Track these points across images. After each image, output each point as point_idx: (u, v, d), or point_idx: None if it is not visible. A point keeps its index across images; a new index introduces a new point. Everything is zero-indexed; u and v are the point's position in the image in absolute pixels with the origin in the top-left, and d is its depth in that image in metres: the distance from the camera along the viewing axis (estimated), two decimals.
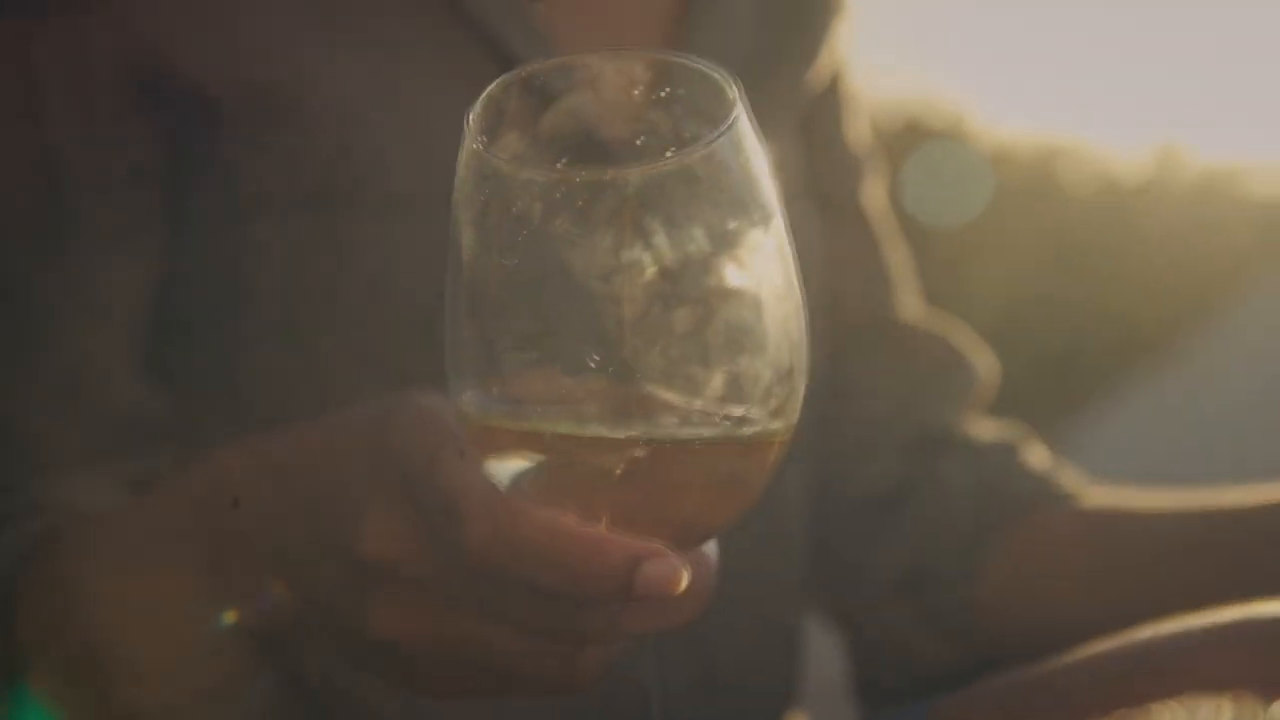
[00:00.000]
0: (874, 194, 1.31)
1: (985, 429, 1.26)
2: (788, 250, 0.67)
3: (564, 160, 0.68)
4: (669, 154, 0.66)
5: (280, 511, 0.79)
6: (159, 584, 0.85)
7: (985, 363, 1.29)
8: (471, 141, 0.65)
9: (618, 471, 0.64)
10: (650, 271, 0.63)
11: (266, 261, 1.01)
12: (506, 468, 0.67)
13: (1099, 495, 1.20)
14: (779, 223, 0.66)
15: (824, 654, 1.40)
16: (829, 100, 1.28)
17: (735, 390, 0.65)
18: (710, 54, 1.12)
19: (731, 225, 0.64)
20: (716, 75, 0.67)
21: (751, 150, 0.65)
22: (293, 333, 1.02)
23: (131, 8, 0.99)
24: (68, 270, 0.99)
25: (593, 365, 0.63)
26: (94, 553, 0.89)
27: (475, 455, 0.68)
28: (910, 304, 1.30)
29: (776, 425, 0.66)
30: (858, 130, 1.31)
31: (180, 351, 1.03)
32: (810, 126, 1.25)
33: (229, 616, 0.82)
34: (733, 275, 0.64)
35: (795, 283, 0.67)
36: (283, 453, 0.82)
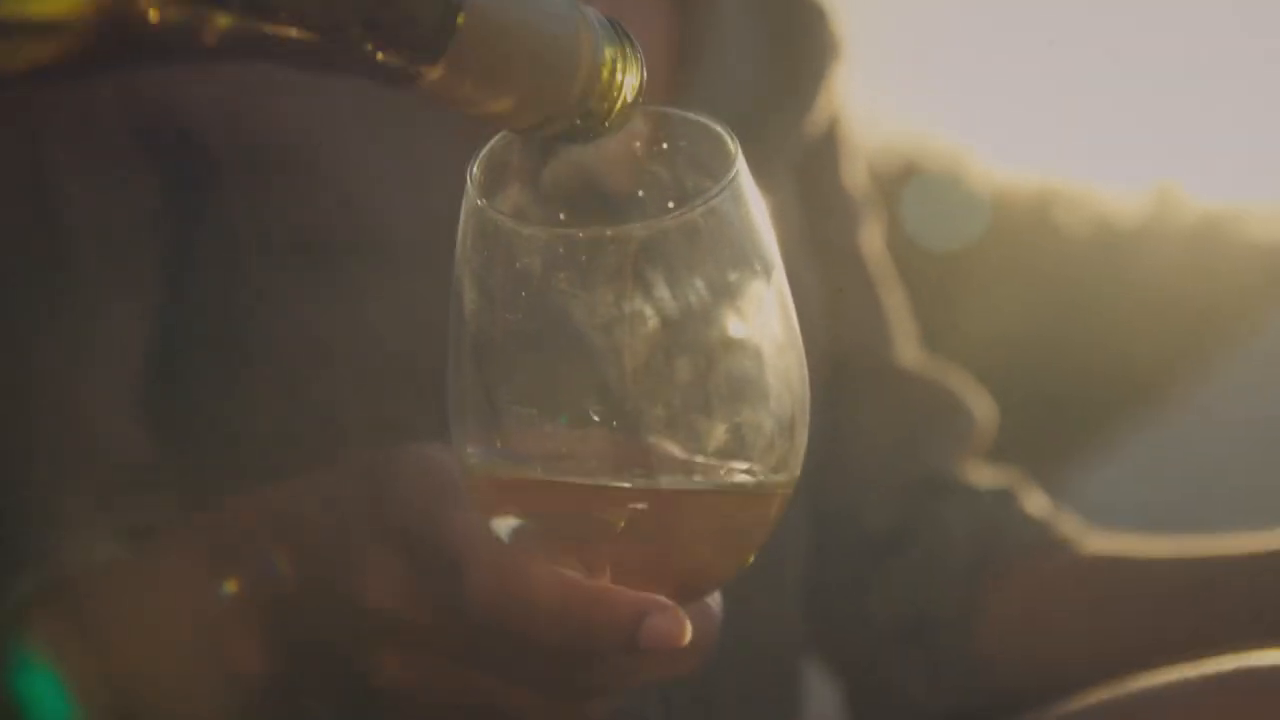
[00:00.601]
0: (871, 239, 1.31)
1: (984, 474, 1.26)
2: (789, 302, 0.67)
3: (566, 213, 0.68)
4: (670, 208, 0.66)
5: (279, 560, 0.80)
6: (161, 637, 0.85)
7: (983, 408, 1.29)
8: (473, 196, 0.65)
9: (621, 524, 0.65)
10: (652, 325, 0.63)
11: (266, 311, 1.01)
12: (509, 520, 0.67)
13: (1098, 542, 1.20)
14: (780, 274, 0.67)
15: (824, 695, 1.40)
16: (826, 145, 1.28)
17: (738, 442, 0.65)
18: (708, 101, 1.13)
19: (733, 278, 0.65)
20: (716, 128, 0.68)
21: (752, 203, 0.65)
22: (292, 382, 1.02)
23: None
24: (68, 320, 0.99)
25: (595, 418, 0.64)
26: (94, 607, 0.89)
27: (477, 507, 0.68)
28: (908, 349, 1.31)
29: (779, 477, 0.67)
30: (854, 175, 1.31)
31: (180, 401, 1.03)
32: (807, 172, 1.25)
33: (233, 666, 0.82)
34: (734, 328, 0.65)
35: (797, 334, 0.67)
36: (284, 503, 0.82)
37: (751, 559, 0.69)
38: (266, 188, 1.00)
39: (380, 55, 0.58)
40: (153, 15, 0.53)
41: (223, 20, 0.55)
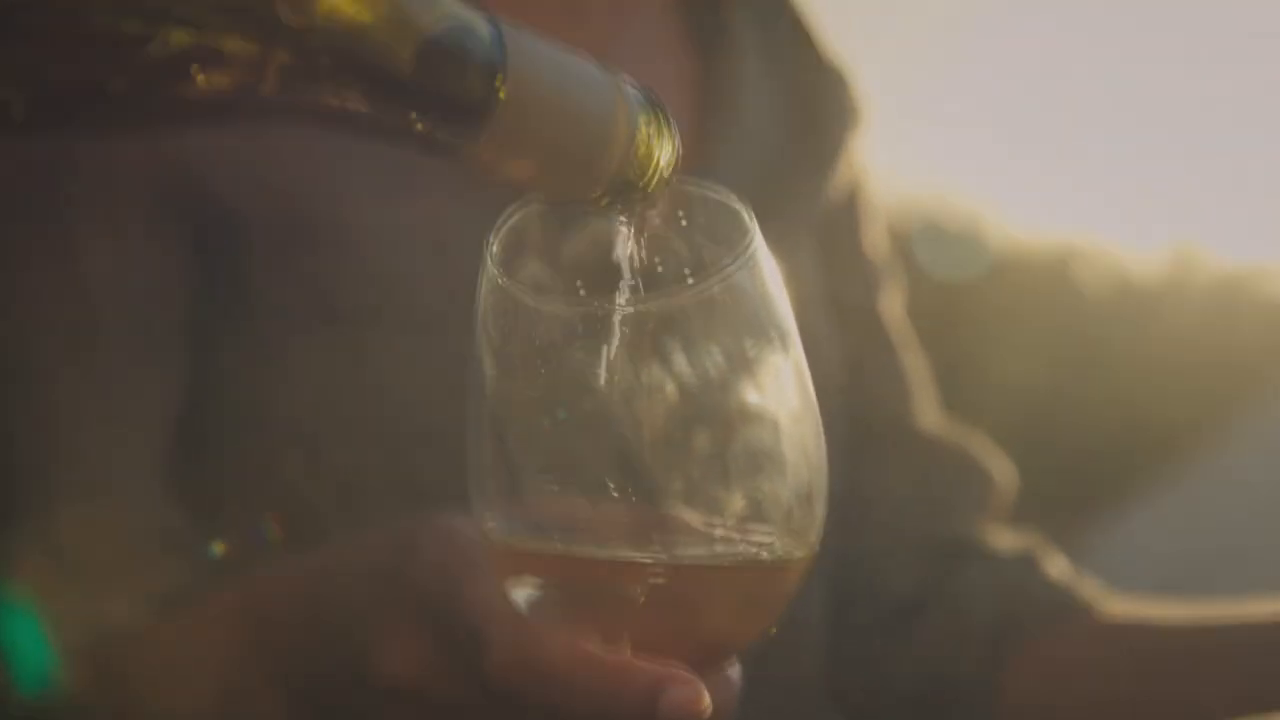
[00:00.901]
0: (892, 303, 1.32)
1: (1004, 538, 1.26)
2: (805, 372, 0.67)
3: (583, 286, 0.69)
4: (688, 280, 0.67)
5: (304, 633, 0.80)
6: (188, 704, 0.86)
7: (1004, 471, 1.29)
8: (491, 270, 0.66)
9: (640, 595, 0.65)
10: (670, 396, 0.64)
11: (288, 377, 1.02)
12: (529, 591, 0.67)
13: (1119, 606, 1.20)
14: (796, 345, 0.67)
15: None
16: (847, 209, 1.29)
17: (756, 513, 0.65)
18: (729, 167, 1.14)
19: (749, 349, 0.65)
20: (732, 203, 0.68)
21: (768, 276, 0.66)
22: (313, 448, 1.02)
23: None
24: (95, 386, 1.00)
25: (614, 490, 0.64)
26: (122, 674, 0.89)
27: (497, 578, 0.68)
28: (928, 412, 1.31)
29: (797, 548, 0.67)
30: (875, 239, 1.32)
31: (204, 466, 1.03)
32: (828, 235, 1.26)
33: None
34: (751, 399, 0.65)
35: (814, 405, 0.67)
36: (306, 574, 0.83)
37: (772, 629, 0.69)
38: (291, 255, 1.01)
39: (421, 125, 0.59)
40: (202, 78, 0.53)
41: (273, 85, 0.55)
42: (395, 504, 1.01)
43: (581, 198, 0.63)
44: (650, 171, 0.63)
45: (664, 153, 0.64)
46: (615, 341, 0.63)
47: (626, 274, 0.66)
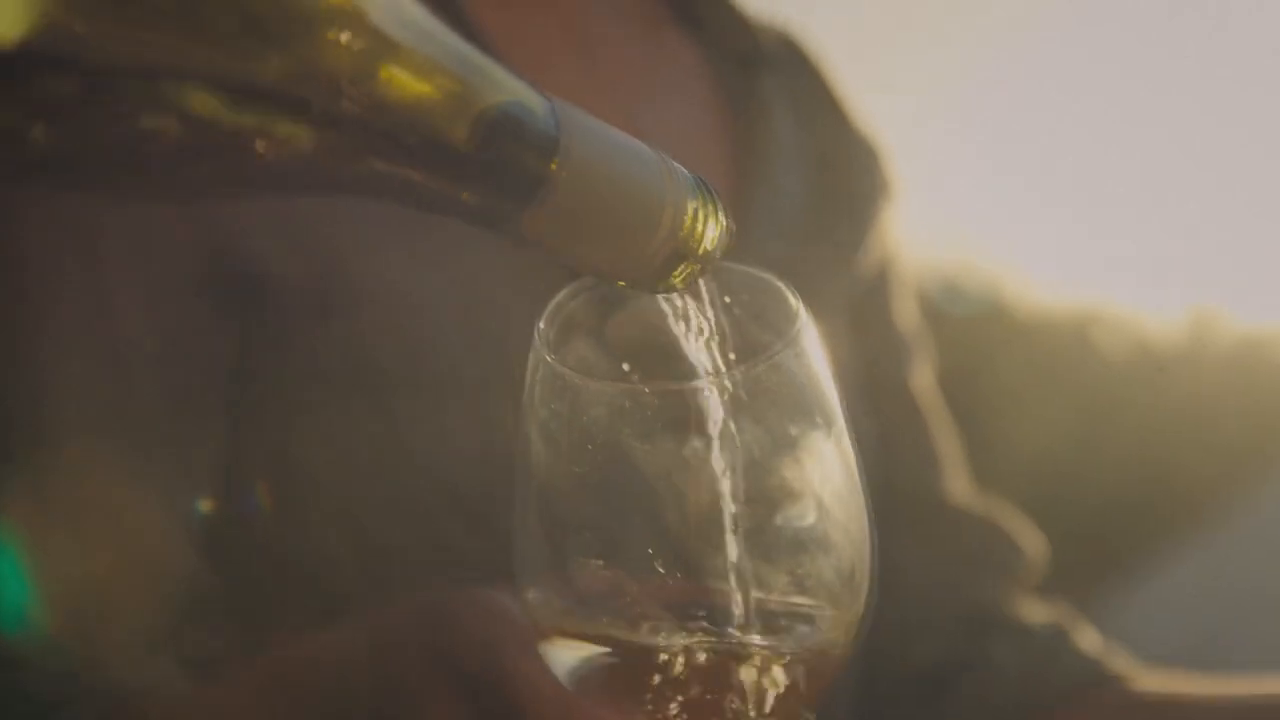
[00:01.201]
0: (921, 376, 1.32)
1: (1034, 610, 1.26)
2: (850, 454, 0.68)
3: (631, 365, 0.69)
4: (733, 360, 0.67)
5: (340, 704, 0.80)
6: None
7: (1032, 543, 1.29)
8: (540, 350, 0.66)
9: (683, 672, 0.65)
10: (716, 478, 0.64)
11: (324, 443, 1.02)
12: (572, 666, 0.68)
13: (1149, 680, 1.20)
14: (842, 427, 0.67)
15: None
16: (878, 283, 1.29)
17: (801, 593, 0.66)
18: (764, 236, 1.14)
19: (795, 431, 0.66)
20: (779, 284, 0.69)
21: (815, 358, 0.66)
22: (348, 514, 1.03)
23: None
24: (133, 451, 1.00)
25: (660, 569, 0.64)
26: None
27: (540, 653, 0.69)
28: (958, 485, 1.31)
29: (842, 629, 0.67)
30: (905, 312, 1.32)
31: (240, 531, 1.04)
32: (860, 308, 1.26)
33: None
34: (797, 481, 0.65)
35: (858, 486, 0.68)
36: (343, 644, 0.83)
37: (814, 710, 0.70)
38: (327, 321, 1.02)
39: (473, 199, 0.59)
40: (261, 146, 0.54)
41: (330, 160, 0.56)
42: (430, 571, 1.01)
43: (629, 276, 0.64)
44: (698, 251, 0.64)
45: (711, 233, 0.64)
46: (663, 421, 0.64)
47: (675, 356, 0.66)
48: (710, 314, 0.67)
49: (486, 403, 1.00)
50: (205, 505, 1.03)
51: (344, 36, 0.54)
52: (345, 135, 0.55)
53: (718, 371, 0.66)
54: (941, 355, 1.39)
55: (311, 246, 1.02)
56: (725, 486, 0.65)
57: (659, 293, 0.65)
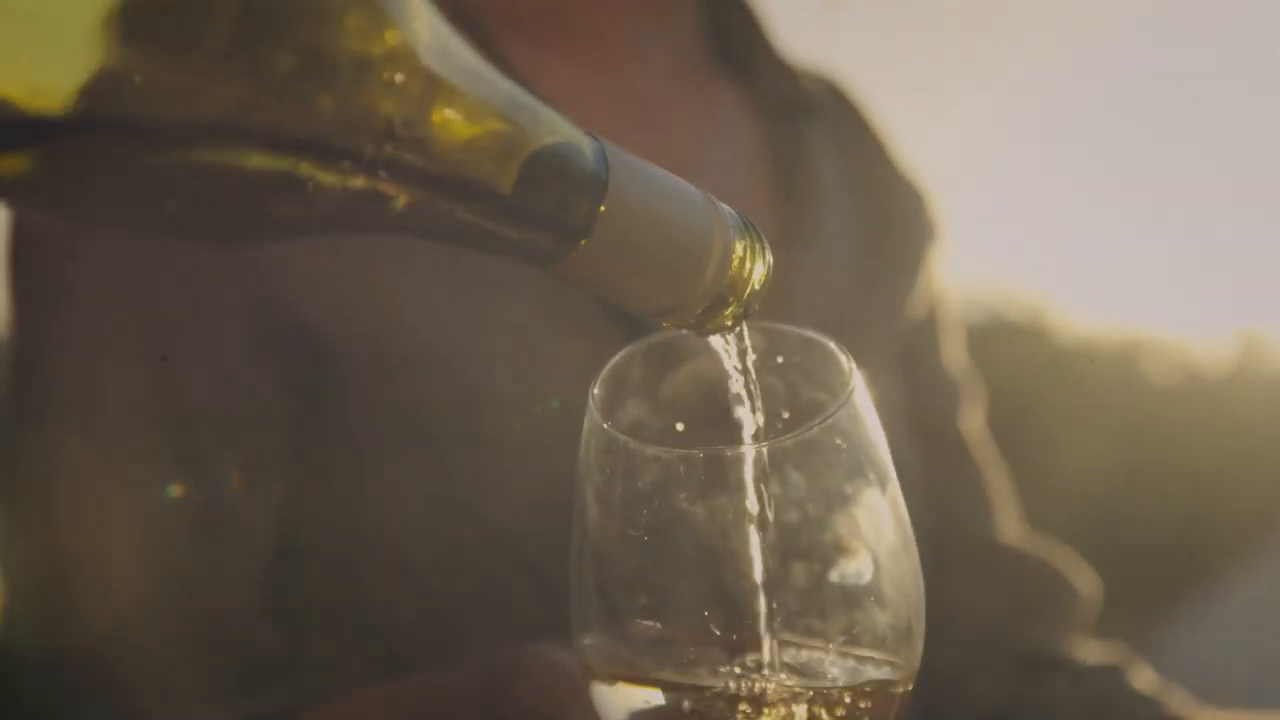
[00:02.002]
0: (971, 417, 1.32)
1: (1090, 650, 1.26)
2: (903, 510, 0.68)
3: (684, 425, 0.70)
4: (785, 418, 0.68)
5: None
6: None
7: (1087, 583, 1.29)
8: (595, 414, 0.67)
9: (743, 713, 0.66)
10: (771, 538, 0.65)
11: (381, 499, 1.03)
12: (627, 710, 0.68)
13: (1206, 716, 1.19)
14: (894, 484, 0.68)
15: None
16: (927, 324, 1.30)
17: (855, 649, 0.66)
18: (812, 284, 1.15)
19: (848, 490, 0.66)
20: (830, 344, 0.69)
21: (868, 417, 0.67)
22: (406, 570, 1.03)
23: (262, 255, 1.02)
24: (193, 508, 1.01)
25: (715, 628, 0.65)
26: None
27: (598, 709, 0.69)
28: (1011, 525, 1.31)
29: (897, 684, 0.67)
30: (954, 354, 1.32)
31: (299, 588, 1.05)
32: (909, 351, 1.27)
33: None
34: (850, 539, 0.66)
35: (911, 541, 0.68)
36: (406, 697, 0.83)
37: None
38: (382, 379, 1.02)
39: (520, 239, 0.60)
40: (314, 187, 0.54)
41: (379, 201, 0.56)
42: (487, 624, 1.01)
43: (676, 316, 0.64)
44: (744, 289, 0.64)
45: (759, 273, 0.65)
46: (718, 485, 0.64)
47: (729, 417, 0.67)
48: (754, 378, 0.68)
49: (540, 454, 1.00)
50: (265, 561, 1.03)
51: (397, 78, 0.55)
52: (394, 176, 0.56)
53: (773, 434, 0.66)
54: (989, 386, 1.39)
55: (366, 308, 1.03)
56: (780, 546, 0.65)
57: (706, 333, 0.66)
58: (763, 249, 0.65)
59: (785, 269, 1.15)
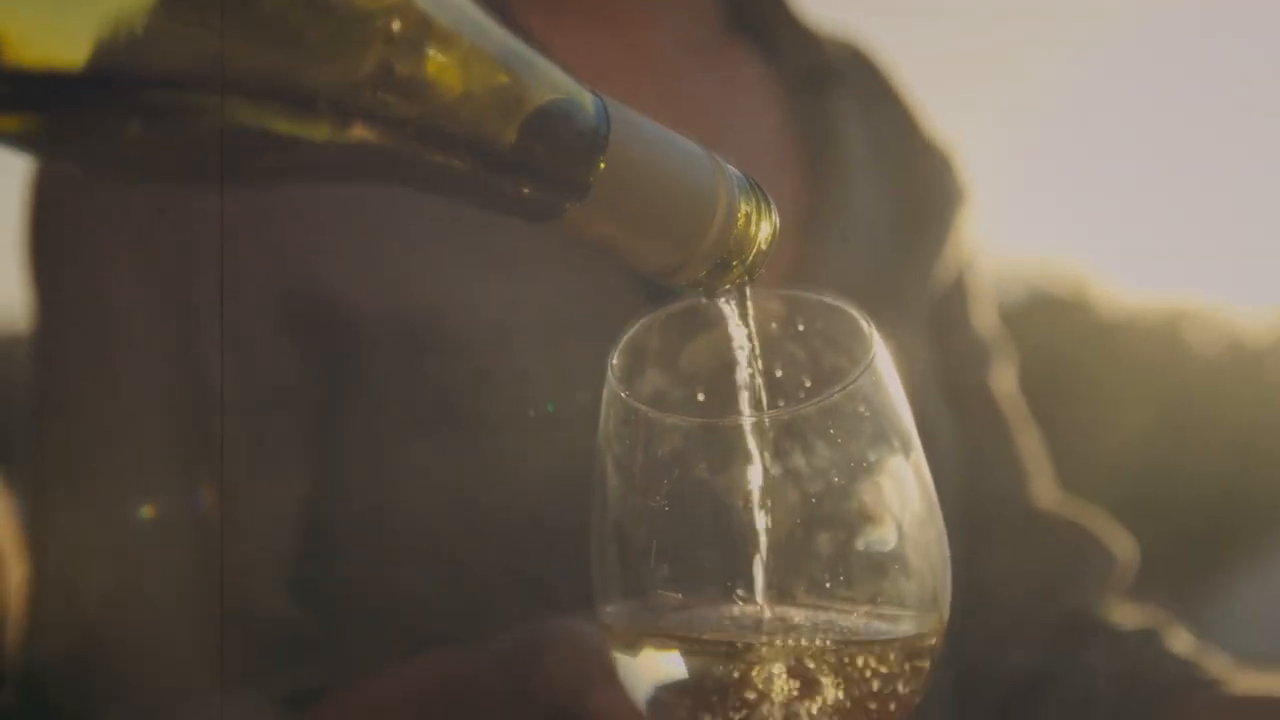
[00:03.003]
0: (1003, 380, 1.32)
1: (1127, 615, 1.26)
2: (927, 476, 0.68)
3: (704, 394, 0.70)
4: (808, 387, 0.68)
5: None
6: None
7: (1122, 546, 1.28)
8: (614, 384, 0.67)
9: (763, 691, 0.66)
10: (793, 505, 0.65)
11: (409, 479, 1.03)
12: (653, 694, 0.68)
13: (1246, 680, 1.19)
14: (918, 449, 0.67)
15: None
16: (956, 289, 1.29)
17: (880, 616, 0.66)
18: (840, 253, 1.15)
19: (872, 457, 0.66)
20: (851, 310, 0.69)
21: (890, 383, 0.66)
22: (434, 544, 1.03)
23: (284, 237, 1.02)
24: (218, 490, 1.01)
25: (738, 597, 0.65)
26: None
27: (621, 681, 0.69)
28: (1045, 489, 1.31)
29: (921, 653, 0.67)
30: (984, 317, 1.32)
31: (325, 569, 1.05)
32: (939, 316, 1.26)
33: None
34: (874, 505, 0.66)
35: (936, 508, 0.68)
36: (432, 681, 0.84)
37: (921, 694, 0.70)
38: (408, 357, 1.02)
39: (522, 193, 0.60)
40: (318, 137, 0.55)
41: (378, 147, 0.57)
42: (513, 600, 1.02)
43: (682, 274, 0.64)
44: (750, 247, 0.64)
45: (765, 233, 0.65)
46: (738, 453, 0.64)
47: (747, 384, 0.67)
48: (756, 341, 0.67)
49: (566, 429, 1.00)
50: (289, 541, 1.04)
51: (396, 25, 0.55)
52: (395, 126, 0.56)
53: (794, 401, 0.66)
54: (1032, 361, 1.39)
55: (391, 286, 1.03)
56: (802, 514, 0.65)
57: (713, 294, 0.66)
58: (769, 209, 0.65)
59: (813, 244, 1.14)
